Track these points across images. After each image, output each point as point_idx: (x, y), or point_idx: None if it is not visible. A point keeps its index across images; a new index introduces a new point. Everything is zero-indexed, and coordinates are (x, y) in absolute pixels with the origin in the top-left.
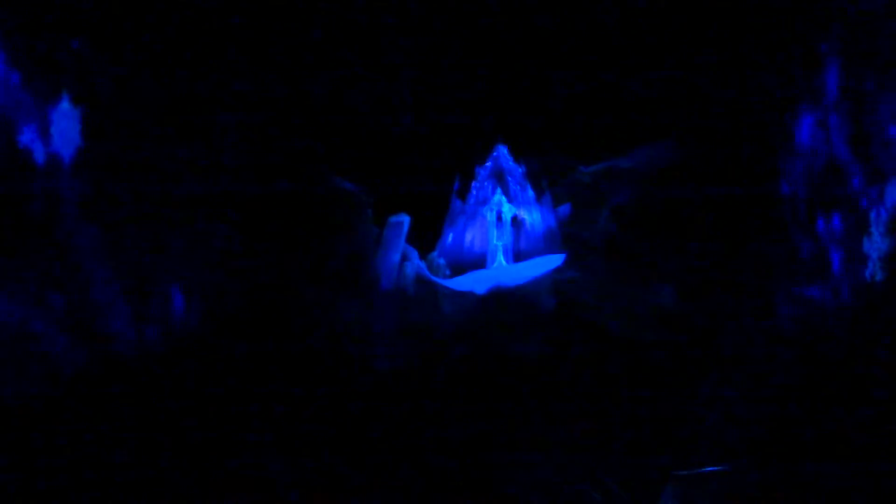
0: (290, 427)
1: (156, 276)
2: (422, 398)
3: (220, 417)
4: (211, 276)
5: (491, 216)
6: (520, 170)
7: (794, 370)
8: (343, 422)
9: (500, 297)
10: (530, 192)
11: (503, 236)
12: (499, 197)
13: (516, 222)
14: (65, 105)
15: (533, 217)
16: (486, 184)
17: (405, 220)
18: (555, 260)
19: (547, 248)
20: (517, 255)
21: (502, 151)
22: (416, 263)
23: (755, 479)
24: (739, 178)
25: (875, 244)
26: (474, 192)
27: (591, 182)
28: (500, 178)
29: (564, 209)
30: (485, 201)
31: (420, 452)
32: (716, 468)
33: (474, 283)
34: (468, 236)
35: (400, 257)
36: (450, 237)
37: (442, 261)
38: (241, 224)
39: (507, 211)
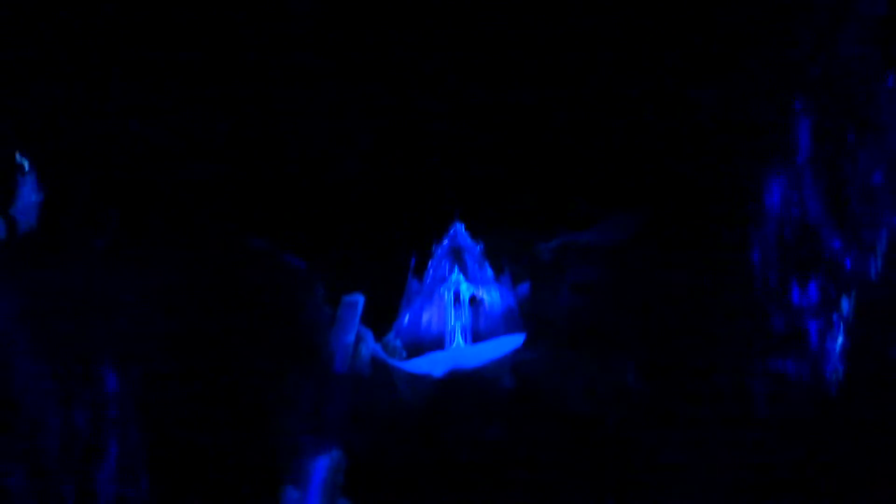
0: None
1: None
2: (378, 487)
3: None
4: (145, 360)
5: (448, 296)
6: (478, 247)
7: (769, 455)
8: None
9: (458, 379)
10: (489, 271)
11: (461, 316)
12: (456, 276)
13: (475, 302)
14: None
15: (492, 296)
16: (443, 262)
17: (360, 299)
18: (515, 340)
19: (507, 328)
20: (476, 336)
21: (459, 229)
22: (370, 345)
23: None
24: (707, 248)
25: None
26: (431, 270)
27: (551, 259)
28: (457, 256)
29: (524, 287)
30: (442, 280)
31: None
32: None
33: (432, 365)
34: (425, 316)
35: (354, 339)
36: (406, 318)
37: (398, 342)
38: (178, 304)
39: (465, 290)
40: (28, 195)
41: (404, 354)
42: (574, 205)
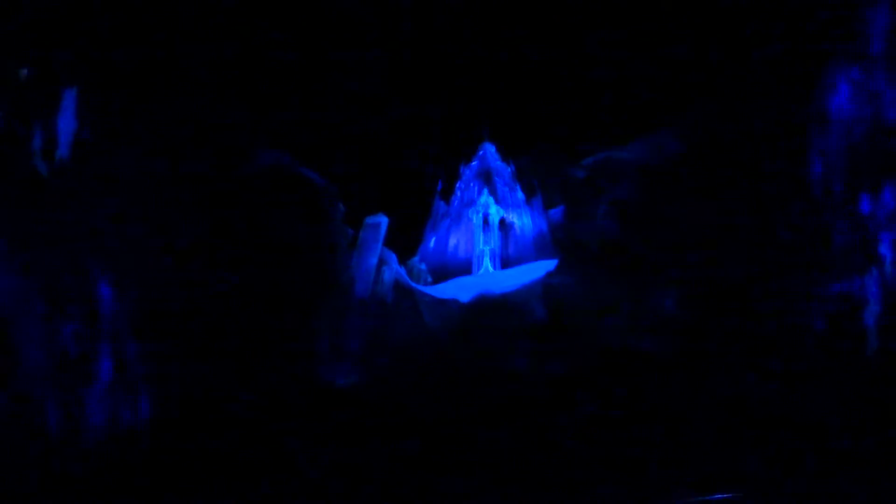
0: (253, 450)
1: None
2: (399, 418)
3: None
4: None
5: (477, 219)
6: (508, 169)
7: (827, 387)
8: (312, 447)
9: (486, 305)
10: (520, 194)
11: (490, 241)
12: (486, 198)
13: (504, 226)
14: None
15: (522, 220)
16: (471, 184)
17: (383, 221)
18: (546, 266)
19: (537, 254)
20: (505, 261)
21: (489, 150)
22: (394, 269)
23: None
24: (759, 160)
25: None
26: (459, 193)
27: (587, 177)
28: (487, 178)
29: (557, 212)
30: (470, 203)
31: (398, 482)
32: (724, 496)
33: (458, 290)
34: (452, 240)
35: (377, 262)
36: (432, 241)
37: (423, 266)
38: (193, 220)
39: (495, 213)
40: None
41: (429, 279)
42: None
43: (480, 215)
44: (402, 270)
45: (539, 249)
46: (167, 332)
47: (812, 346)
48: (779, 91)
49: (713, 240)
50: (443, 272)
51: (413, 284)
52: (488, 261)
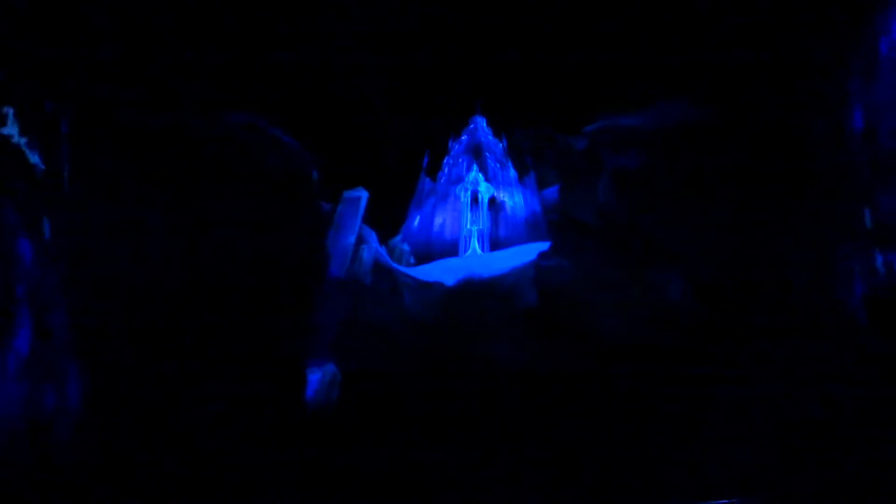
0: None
1: None
2: (377, 409)
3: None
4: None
5: (465, 197)
6: (500, 145)
7: (858, 387)
8: (278, 438)
9: (473, 289)
10: (512, 172)
11: (479, 220)
12: (475, 175)
13: (494, 205)
14: None
15: (514, 199)
16: (460, 160)
17: (363, 195)
18: (538, 249)
19: (529, 236)
20: (494, 243)
21: (480, 123)
22: (374, 247)
23: None
24: (786, 116)
25: None
26: (447, 168)
27: (588, 147)
28: (476, 153)
29: (552, 192)
30: (459, 180)
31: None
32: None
33: (443, 272)
34: (438, 219)
35: (355, 239)
36: (416, 220)
37: (406, 246)
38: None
39: (485, 191)
40: None
41: (412, 260)
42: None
43: (469, 193)
44: (383, 250)
45: (531, 231)
46: (106, 303)
47: (849, 344)
48: (812, 39)
49: (728, 217)
50: (427, 253)
51: (394, 265)
52: (476, 242)
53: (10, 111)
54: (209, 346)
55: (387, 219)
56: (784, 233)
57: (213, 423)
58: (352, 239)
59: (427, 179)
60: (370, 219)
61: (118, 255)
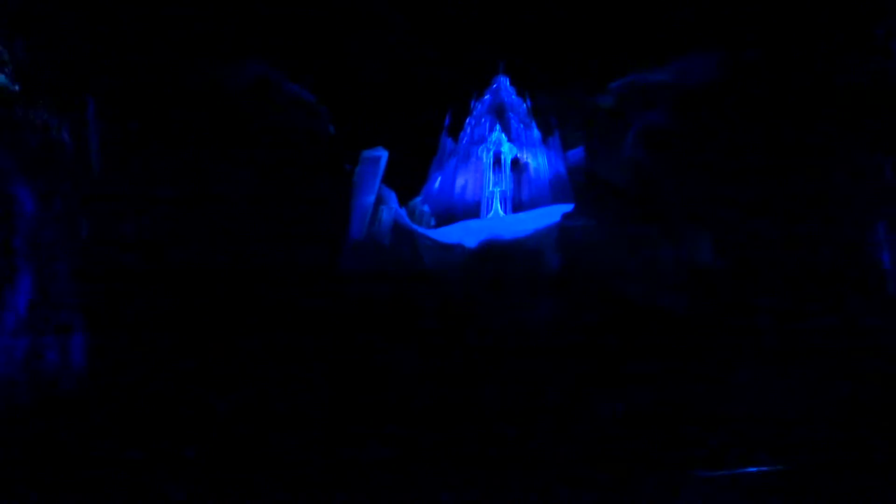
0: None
1: None
2: (398, 374)
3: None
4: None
5: (487, 158)
6: (524, 104)
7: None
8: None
9: (495, 251)
10: (536, 132)
11: (501, 182)
12: (498, 135)
13: (518, 166)
14: None
15: (538, 161)
16: (483, 119)
17: (383, 155)
18: (562, 211)
19: (553, 198)
20: (517, 205)
21: (504, 83)
22: (394, 209)
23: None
24: (823, 69)
25: None
26: (469, 129)
27: (614, 106)
28: (500, 113)
29: (576, 153)
30: (481, 140)
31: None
32: (748, 469)
33: (464, 234)
34: (460, 181)
35: (374, 200)
36: (437, 181)
37: (426, 208)
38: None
39: (508, 152)
40: None
41: (433, 222)
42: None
43: (491, 154)
44: (403, 211)
45: (556, 193)
46: (112, 261)
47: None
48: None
49: (759, 175)
50: (448, 215)
51: (414, 227)
52: (498, 203)
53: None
54: (222, 305)
55: (407, 179)
56: (821, 195)
57: (222, 382)
58: (371, 199)
59: (449, 139)
60: (390, 179)
61: (128, 212)
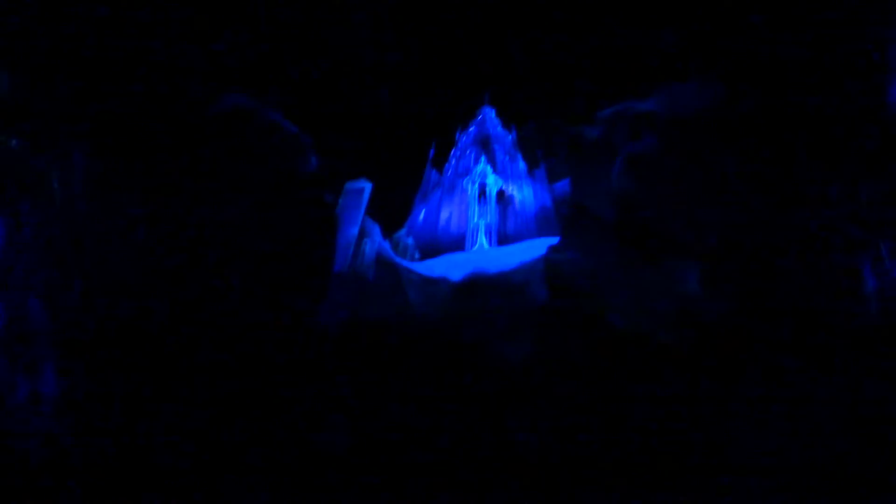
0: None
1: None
2: (381, 409)
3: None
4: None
5: (473, 190)
6: (509, 136)
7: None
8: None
9: (481, 285)
10: (521, 164)
11: (486, 214)
12: (483, 167)
13: (503, 198)
14: None
15: (524, 193)
16: (468, 152)
17: (366, 186)
18: (548, 244)
19: (539, 230)
20: (503, 238)
21: (489, 114)
22: (377, 241)
23: None
24: (810, 98)
25: None
26: (454, 161)
27: (600, 136)
28: (485, 145)
29: (562, 185)
30: (466, 172)
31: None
32: None
33: (449, 267)
34: (444, 213)
35: (358, 232)
36: (422, 213)
37: (410, 240)
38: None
39: (493, 184)
40: None
41: (417, 255)
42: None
43: (476, 186)
44: (387, 244)
45: (541, 225)
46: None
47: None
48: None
49: (751, 206)
50: (432, 248)
51: (398, 259)
52: (483, 236)
53: None
54: (200, 341)
55: (391, 212)
56: (809, 225)
57: (200, 417)
58: (354, 231)
59: (433, 171)
60: (373, 211)
61: (102, 244)
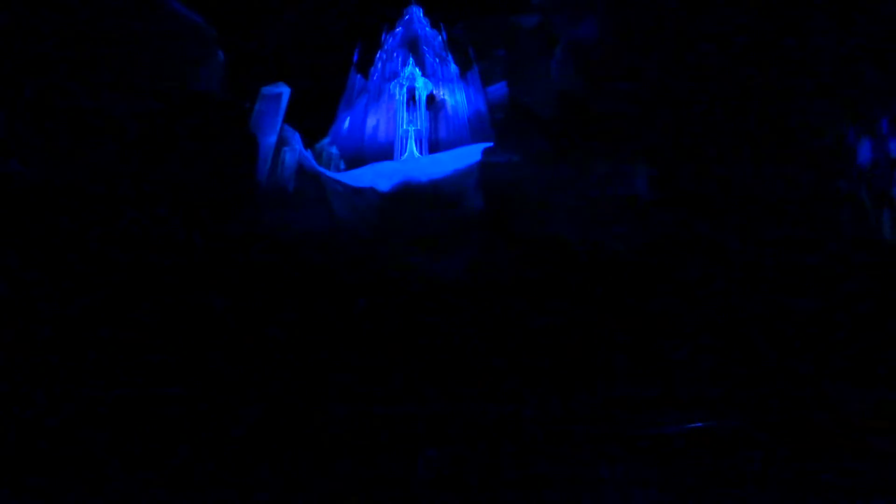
0: None
1: None
2: (303, 334)
3: None
4: None
5: (401, 95)
6: (439, 37)
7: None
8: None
9: (411, 195)
10: (453, 66)
11: (416, 120)
12: (411, 70)
13: (434, 103)
14: None
15: (456, 97)
16: (395, 54)
17: (284, 91)
18: (483, 150)
19: (473, 137)
20: (434, 145)
21: (416, 14)
22: (298, 150)
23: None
24: None
25: None
26: (380, 64)
27: (538, 24)
28: (413, 47)
29: (497, 88)
30: (393, 76)
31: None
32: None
33: (377, 177)
34: (371, 120)
35: (276, 140)
36: (346, 121)
37: (335, 150)
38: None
39: (422, 88)
40: None
41: (342, 165)
42: None
43: (405, 90)
44: (309, 154)
45: (475, 131)
46: None
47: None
48: None
49: (700, 93)
50: (359, 157)
51: (321, 170)
52: (413, 144)
53: None
54: (115, 267)
55: (313, 120)
56: (766, 115)
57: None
58: (272, 140)
59: (358, 76)
60: (293, 119)
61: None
